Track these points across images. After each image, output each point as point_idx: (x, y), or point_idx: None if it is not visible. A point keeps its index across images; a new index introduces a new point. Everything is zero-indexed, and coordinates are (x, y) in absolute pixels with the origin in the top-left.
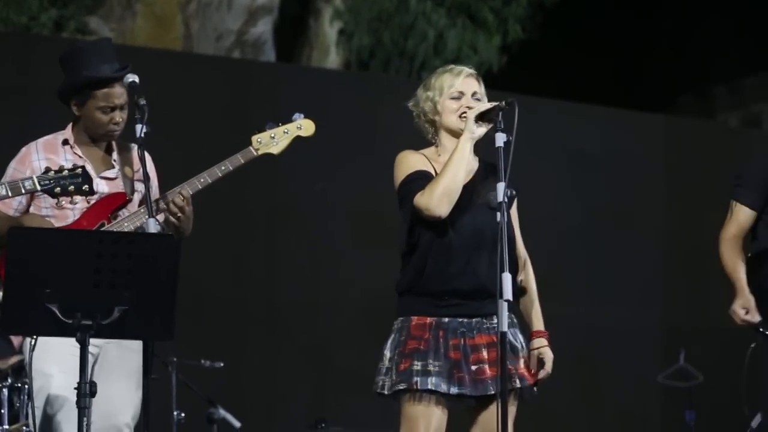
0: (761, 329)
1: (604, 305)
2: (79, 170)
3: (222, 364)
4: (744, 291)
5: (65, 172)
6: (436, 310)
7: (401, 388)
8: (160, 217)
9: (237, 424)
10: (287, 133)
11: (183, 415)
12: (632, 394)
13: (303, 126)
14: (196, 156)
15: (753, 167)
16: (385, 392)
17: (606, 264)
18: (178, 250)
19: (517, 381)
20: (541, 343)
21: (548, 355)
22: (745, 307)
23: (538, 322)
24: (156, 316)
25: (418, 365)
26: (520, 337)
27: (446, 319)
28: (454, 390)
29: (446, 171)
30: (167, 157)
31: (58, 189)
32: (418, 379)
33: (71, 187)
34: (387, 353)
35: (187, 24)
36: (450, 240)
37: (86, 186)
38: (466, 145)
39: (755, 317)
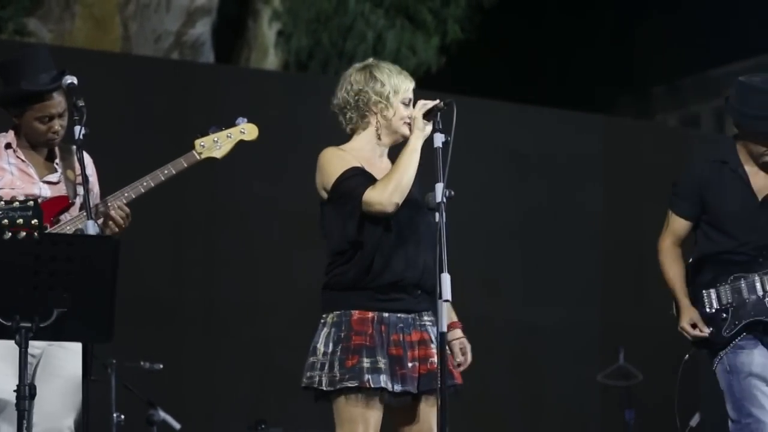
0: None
1: (543, 305)
2: (31, 203)
3: (161, 366)
4: (687, 307)
5: (16, 204)
6: (378, 305)
7: (352, 385)
8: (101, 220)
9: (177, 425)
10: (230, 137)
11: (123, 417)
12: (572, 393)
13: (246, 130)
14: (135, 157)
15: (685, 177)
16: (324, 388)
17: (544, 264)
18: (116, 251)
19: (448, 380)
20: (460, 334)
21: (468, 345)
22: (692, 322)
23: (453, 314)
24: (95, 318)
25: (367, 362)
26: None
27: (386, 314)
28: (398, 387)
29: (399, 168)
30: (106, 158)
31: (6, 221)
32: (370, 376)
33: (20, 220)
34: (321, 347)
35: (126, 25)
36: (394, 236)
37: (36, 220)
38: (418, 143)
39: (705, 329)
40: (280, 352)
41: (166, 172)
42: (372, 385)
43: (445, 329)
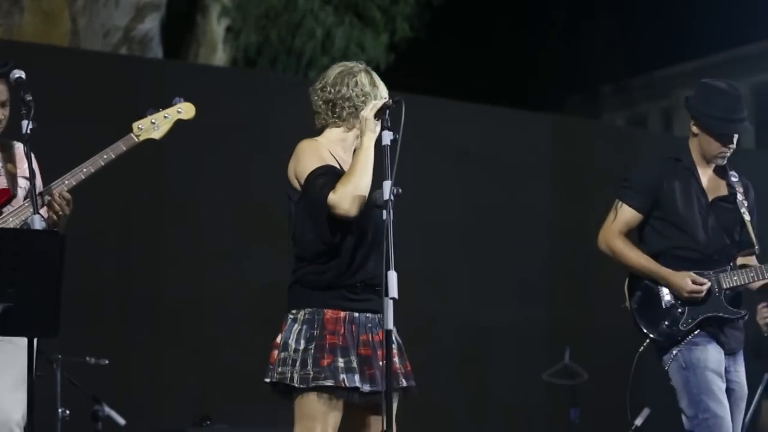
0: (648, 333)
1: (490, 303)
2: None
3: (107, 362)
4: (673, 272)
5: None
6: (349, 304)
7: (328, 384)
8: (44, 211)
9: (122, 421)
10: (168, 117)
11: (68, 412)
12: (517, 391)
13: (183, 109)
14: (82, 153)
15: (642, 171)
16: (295, 384)
17: (492, 262)
18: (63, 246)
19: (404, 380)
20: None
21: None
22: (692, 279)
23: None
24: (41, 313)
25: (341, 362)
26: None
27: (356, 314)
28: (366, 387)
29: (357, 172)
30: (53, 154)
31: None
32: (344, 376)
33: None
34: (293, 344)
35: (75, 20)
36: (365, 237)
37: None
38: (371, 143)
39: (703, 279)
40: (227, 349)
41: (105, 157)
42: (347, 385)
43: (391, 326)
